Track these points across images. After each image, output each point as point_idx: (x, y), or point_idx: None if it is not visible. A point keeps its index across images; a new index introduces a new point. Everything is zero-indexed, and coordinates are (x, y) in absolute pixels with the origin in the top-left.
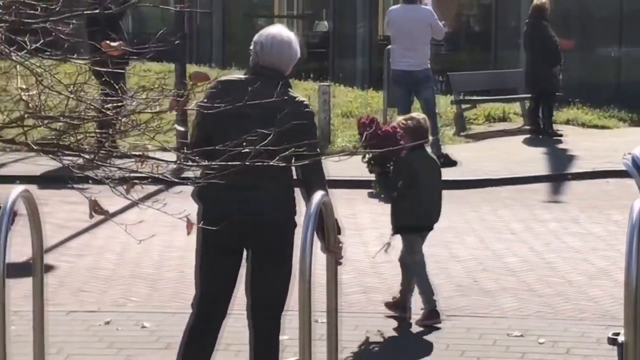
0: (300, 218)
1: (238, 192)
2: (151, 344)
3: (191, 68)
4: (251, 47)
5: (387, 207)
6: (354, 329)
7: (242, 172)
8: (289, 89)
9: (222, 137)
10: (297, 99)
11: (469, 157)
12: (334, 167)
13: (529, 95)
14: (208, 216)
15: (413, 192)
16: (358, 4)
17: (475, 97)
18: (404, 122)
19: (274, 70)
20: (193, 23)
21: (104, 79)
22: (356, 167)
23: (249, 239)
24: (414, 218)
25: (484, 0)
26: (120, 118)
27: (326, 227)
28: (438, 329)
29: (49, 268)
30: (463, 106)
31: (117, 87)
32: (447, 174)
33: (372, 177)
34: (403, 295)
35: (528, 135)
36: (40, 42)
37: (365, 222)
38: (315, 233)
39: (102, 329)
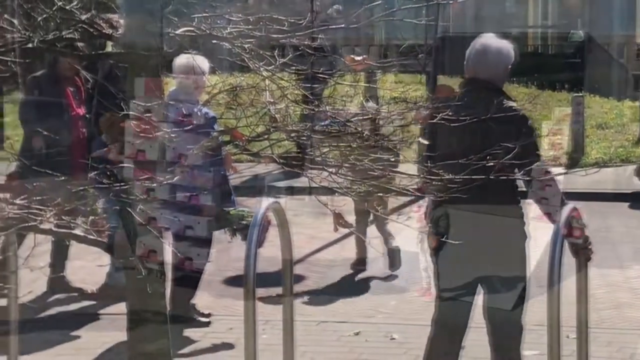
0: (528, 228)
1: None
2: (399, 356)
3: (443, 79)
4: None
5: None
6: (607, 345)
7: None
8: (504, 98)
9: (447, 151)
10: (511, 106)
11: None
12: (588, 179)
13: None
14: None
15: None
16: (614, 13)
17: None
18: None
19: (479, 81)
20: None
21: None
22: (612, 180)
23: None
24: None
25: None
26: (365, 132)
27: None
28: None
29: (300, 278)
30: None
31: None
32: None
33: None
34: None
35: None
36: (289, 57)
37: (620, 236)
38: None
39: (352, 340)
